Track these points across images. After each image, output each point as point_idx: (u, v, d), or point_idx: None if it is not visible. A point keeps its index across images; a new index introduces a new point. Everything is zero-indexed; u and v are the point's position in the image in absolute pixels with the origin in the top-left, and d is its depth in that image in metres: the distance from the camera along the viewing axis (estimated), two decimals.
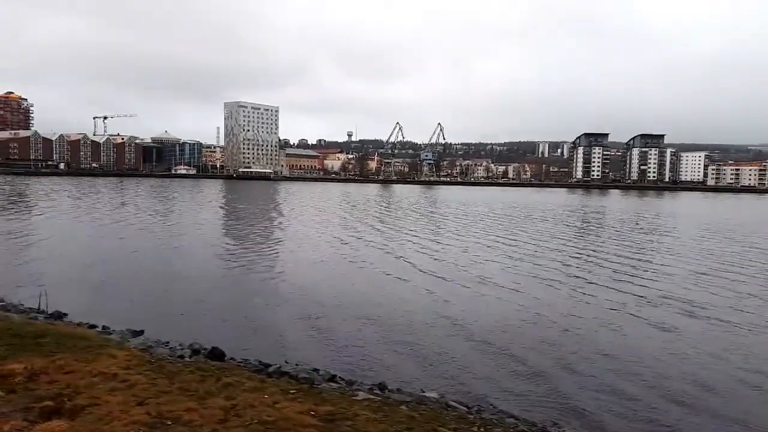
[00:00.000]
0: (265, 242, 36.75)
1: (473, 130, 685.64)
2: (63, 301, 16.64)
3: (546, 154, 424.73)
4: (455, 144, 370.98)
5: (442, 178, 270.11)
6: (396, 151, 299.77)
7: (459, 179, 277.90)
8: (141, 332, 12.52)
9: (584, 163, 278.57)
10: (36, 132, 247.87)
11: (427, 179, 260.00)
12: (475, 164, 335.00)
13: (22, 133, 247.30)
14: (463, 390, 11.61)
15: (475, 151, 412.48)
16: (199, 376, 8.45)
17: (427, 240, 38.68)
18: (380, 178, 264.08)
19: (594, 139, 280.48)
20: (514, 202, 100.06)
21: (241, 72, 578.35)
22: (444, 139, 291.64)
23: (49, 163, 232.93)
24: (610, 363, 13.75)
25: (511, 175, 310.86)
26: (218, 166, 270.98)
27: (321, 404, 7.52)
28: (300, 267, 27.05)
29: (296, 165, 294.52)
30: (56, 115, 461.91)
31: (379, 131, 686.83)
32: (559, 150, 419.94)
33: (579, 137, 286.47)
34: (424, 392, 9.88)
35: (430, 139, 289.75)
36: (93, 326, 13.34)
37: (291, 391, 8.10)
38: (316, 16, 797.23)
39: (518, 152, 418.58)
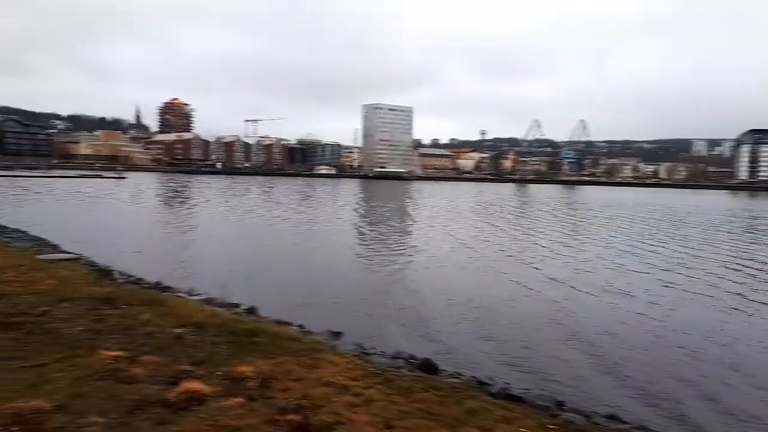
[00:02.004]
0: (406, 240, 36.42)
1: (619, 127, 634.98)
2: (240, 294, 16.78)
3: (703, 153, 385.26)
4: (598, 141, 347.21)
5: (583, 178, 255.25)
6: (533, 149, 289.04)
7: (603, 179, 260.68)
8: (340, 334, 12.06)
9: (750, 162, 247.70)
10: (197, 134, 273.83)
11: (567, 179, 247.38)
12: (621, 163, 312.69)
13: (185, 136, 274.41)
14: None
15: (621, 149, 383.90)
16: (435, 396, 7.52)
17: (568, 245, 35.73)
18: (516, 177, 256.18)
19: (762, 135, 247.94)
20: (666, 205, 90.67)
21: (376, 76, 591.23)
22: (587, 136, 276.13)
23: (207, 162, 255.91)
24: None
25: (662, 175, 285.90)
26: (355, 166, 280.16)
27: None
28: (444, 267, 26.01)
29: (429, 165, 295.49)
30: (213, 118, 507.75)
31: (514, 129, 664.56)
32: (717, 148, 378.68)
33: (743, 134, 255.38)
34: None
35: (571, 137, 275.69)
36: (287, 323, 13.20)
37: (549, 426, 6.86)
38: (448, 19, 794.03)
39: (670, 151, 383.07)
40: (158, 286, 15.26)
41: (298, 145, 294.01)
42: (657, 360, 13.49)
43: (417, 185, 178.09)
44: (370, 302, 18.44)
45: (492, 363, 12.33)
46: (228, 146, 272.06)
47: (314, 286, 20.83)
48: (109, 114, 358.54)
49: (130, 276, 17.16)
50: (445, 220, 53.24)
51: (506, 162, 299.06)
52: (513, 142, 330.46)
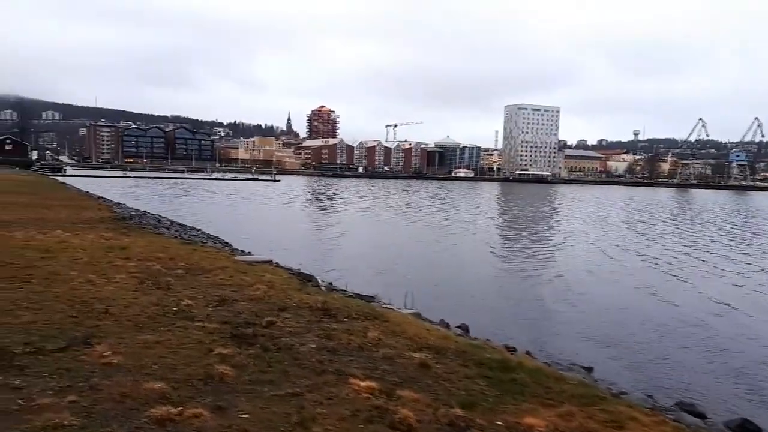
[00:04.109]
0: (570, 250, 33.49)
1: None
2: (430, 307, 15.28)
3: None
4: None
5: (758, 183, 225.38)
6: (695, 151, 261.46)
7: None
8: (590, 369, 9.99)
9: None
10: (341, 140, 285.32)
11: (737, 184, 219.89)
12: None
13: (331, 141, 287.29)
14: None
15: None
16: None
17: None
18: (675, 181, 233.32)
19: None
20: None
21: (517, 77, 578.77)
22: (762, 136, 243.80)
23: (351, 166, 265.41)
24: None
25: None
26: (495, 168, 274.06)
27: None
28: (622, 284, 22.71)
29: (575, 167, 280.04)
30: (356, 123, 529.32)
31: (672, 129, 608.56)
32: None
33: None
34: None
35: (743, 137, 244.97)
36: (513, 349, 11.40)
37: None
38: (595, 12, 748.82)
39: None
40: (362, 296, 14.26)
41: (436, 149, 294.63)
42: None
43: (562, 188, 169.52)
44: (577, 324, 16.13)
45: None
46: (370, 151, 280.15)
47: (501, 302, 19.01)
48: (264, 121, 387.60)
49: (324, 281, 16.48)
50: (605, 228, 48.71)
51: (664, 165, 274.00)
52: (670, 143, 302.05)
